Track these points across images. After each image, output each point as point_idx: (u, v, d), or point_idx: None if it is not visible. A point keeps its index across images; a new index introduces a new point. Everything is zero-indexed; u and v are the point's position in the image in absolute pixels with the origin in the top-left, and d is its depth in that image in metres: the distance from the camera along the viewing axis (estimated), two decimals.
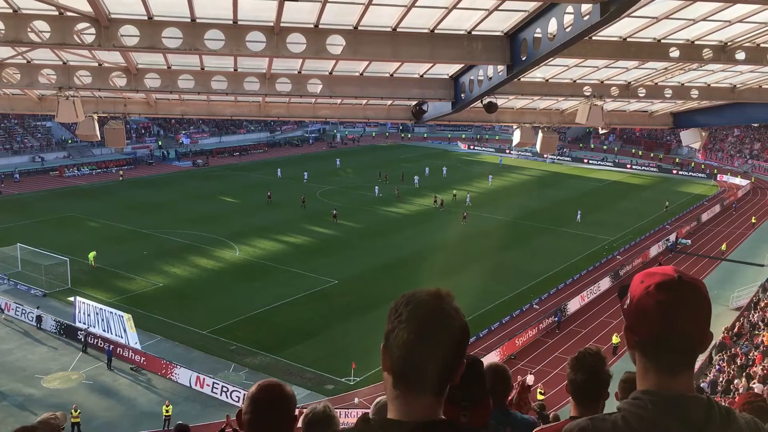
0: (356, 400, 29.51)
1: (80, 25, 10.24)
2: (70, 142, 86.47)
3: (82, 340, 34.88)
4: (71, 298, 38.45)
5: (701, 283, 2.00)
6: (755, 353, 31.88)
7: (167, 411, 28.15)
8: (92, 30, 10.24)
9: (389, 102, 17.94)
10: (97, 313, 35.65)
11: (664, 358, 1.96)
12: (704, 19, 11.37)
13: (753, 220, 64.84)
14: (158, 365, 32.72)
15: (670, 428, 1.88)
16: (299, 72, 14.48)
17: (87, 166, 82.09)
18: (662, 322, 1.93)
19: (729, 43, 12.61)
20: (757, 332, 35.24)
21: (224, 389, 30.57)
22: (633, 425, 1.90)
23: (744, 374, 29.36)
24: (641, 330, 1.98)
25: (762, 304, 39.27)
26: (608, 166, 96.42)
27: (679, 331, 1.93)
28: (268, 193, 67.14)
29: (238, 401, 29.87)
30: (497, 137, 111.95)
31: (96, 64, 13.73)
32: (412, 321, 1.90)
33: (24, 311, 37.85)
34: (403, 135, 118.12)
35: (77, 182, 76.10)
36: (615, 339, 35.72)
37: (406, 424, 1.91)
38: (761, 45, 12.80)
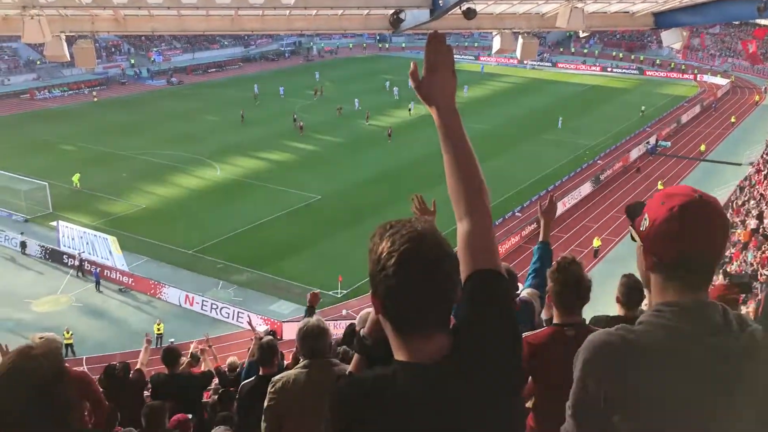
0: (344, 311, 30.16)
1: None
2: (38, 63, 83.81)
3: (77, 264, 34.86)
4: (54, 223, 38.31)
5: (717, 201, 2.02)
6: (732, 250, 32.71)
7: (159, 329, 28.68)
8: None
9: (366, 12, 17.46)
10: (81, 237, 35.65)
11: (686, 277, 1.99)
12: None
13: (732, 120, 65.12)
14: (147, 286, 33.06)
15: (692, 333, 1.93)
16: None
17: (58, 87, 79.95)
18: (689, 242, 1.94)
19: None
20: (732, 230, 36.03)
21: (214, 306, 31.08)
22: (657, 335, 1.95)
23: (721, 271, 30.20)
24: (665, 252, 1.99)
25: (738, 203, 40.00)
26: (589, 70, 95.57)
27: (704, 250, 1.96)
28: (241, 112, 66.12)
29: (227, 317, 30.44)
30: (476, 44, 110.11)
31: None
32: (396, 270, 1.78)
33: (7, 237, 37.75)
34: (380, 45, 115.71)
35: (49, 105, 74.22)
36: (596, 242, 36.47)
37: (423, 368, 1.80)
38: None
